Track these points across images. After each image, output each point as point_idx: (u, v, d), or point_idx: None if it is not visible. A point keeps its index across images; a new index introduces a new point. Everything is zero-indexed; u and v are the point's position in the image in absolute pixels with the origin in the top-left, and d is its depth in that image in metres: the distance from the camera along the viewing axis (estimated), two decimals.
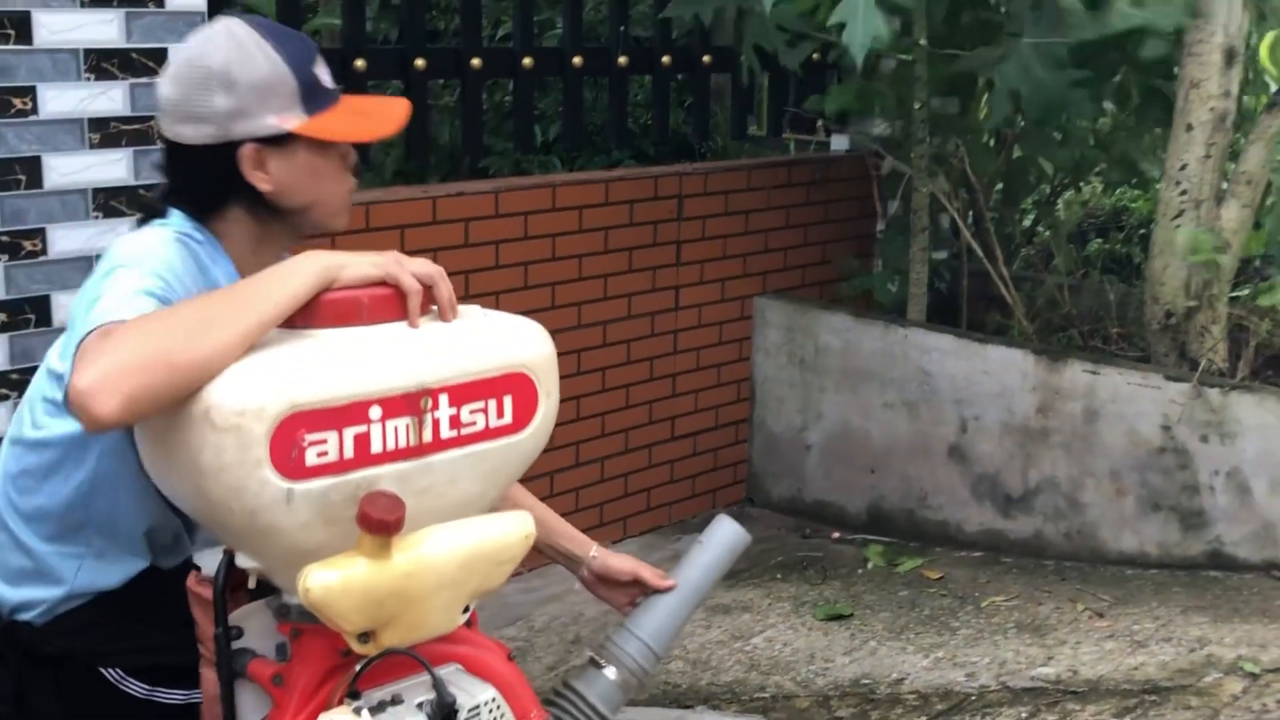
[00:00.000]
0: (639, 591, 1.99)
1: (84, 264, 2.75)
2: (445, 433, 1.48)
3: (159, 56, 2.80)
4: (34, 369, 2.75)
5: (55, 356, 1.72)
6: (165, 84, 1.70)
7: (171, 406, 1.37)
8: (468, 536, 1.49)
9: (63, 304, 2.74)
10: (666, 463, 4.20)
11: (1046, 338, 4.18)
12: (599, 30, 5.31)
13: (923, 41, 3.85)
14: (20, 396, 2.75)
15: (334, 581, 1.38)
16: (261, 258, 1.72)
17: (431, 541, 1.46)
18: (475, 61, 3.82)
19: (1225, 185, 3.79)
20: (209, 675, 1.60)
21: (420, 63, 3.69)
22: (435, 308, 1.54)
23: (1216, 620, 3.14)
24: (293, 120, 1.67)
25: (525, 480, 1.91)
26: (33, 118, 2.71)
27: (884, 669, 3.09)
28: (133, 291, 1.52)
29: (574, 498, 3.90)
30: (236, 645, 1.57)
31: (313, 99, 1.69)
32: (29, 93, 2.70)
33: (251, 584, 1.55)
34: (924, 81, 3.93)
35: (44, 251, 2.75)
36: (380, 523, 1.38)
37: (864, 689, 3.01)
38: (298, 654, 1.54)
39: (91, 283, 1.59)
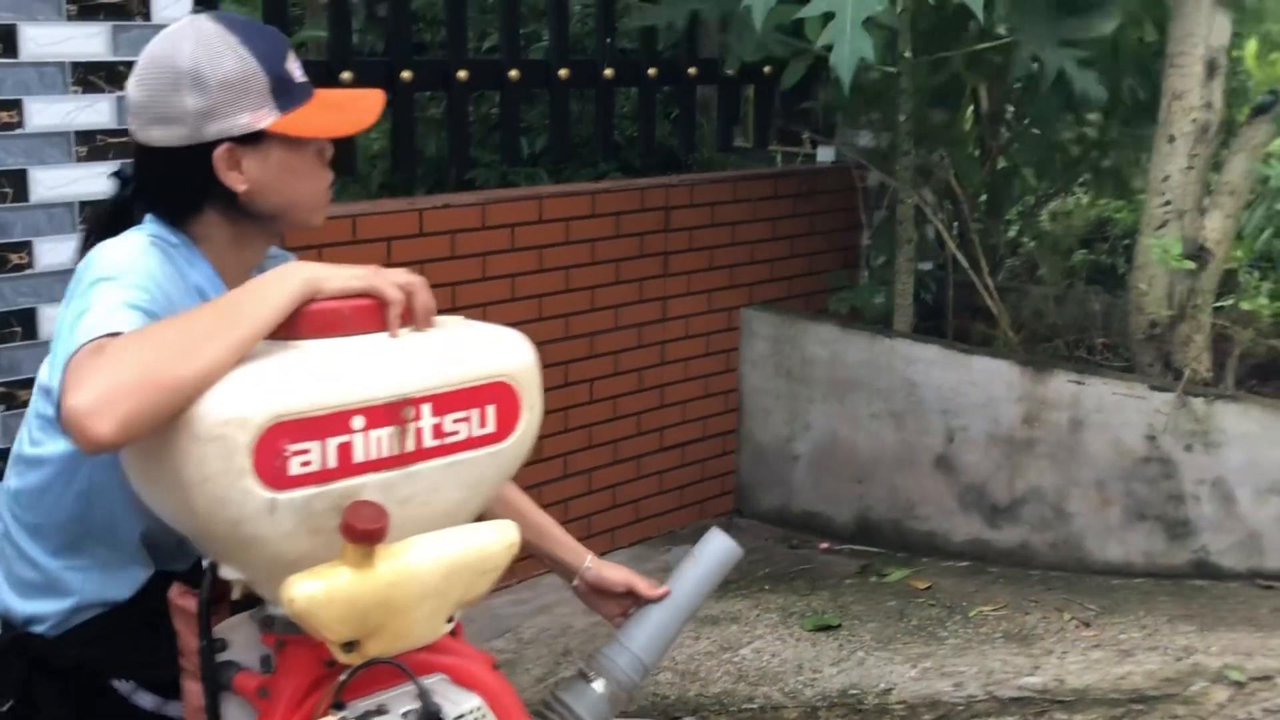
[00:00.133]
0: (631, 603, 1.99)
1: (70, 278, 2.74)
2: (428, 442, 1.48)
3: None
4: (21, 382, 2.77)
5: (44, 372, 1.72)
6: (133, 86, 1.66)
7: (165, 425, 1.37)
8: (451, 546, 1.49)
9: (49, 317, 2.75)
10: (655, 474, 4.21)
11: (1032, 348, 4.19)
12: (585, 43, 5.33)
13: (907, 54, 3.87)
14: (7, 410, 2.75)
15: (318, 591, 1.38)
16: (241, 256, 1.71)
17: (415, 551, 1.46)
18: (461, 74, 3.83)
19: (1208, 197, 3.81)
20: (192, 688, 1.60)
21: (406, 75, 3.70)
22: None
23: (1202, 629, 3.15)
24: (266, 118, 1.63)
25: None
26: (19, 131, 2.71)
27: (872, 679, 3.09)
28: (118, 304, 1.51)
29: (562, 509, 3.90)
30: (221, 658, 1.56)
31: (285, 95, 1.65)
32: (15, 106, 2.70)
33: (236, 596, 1.55)
34: (909, 94, 3.95)
35: (30, 265, 2.75)
36: (364, 532, 1.39)
37: (851, 699, 3.01)
38: (282, 665, 1.54)
39: (75, 296, 1.58)
